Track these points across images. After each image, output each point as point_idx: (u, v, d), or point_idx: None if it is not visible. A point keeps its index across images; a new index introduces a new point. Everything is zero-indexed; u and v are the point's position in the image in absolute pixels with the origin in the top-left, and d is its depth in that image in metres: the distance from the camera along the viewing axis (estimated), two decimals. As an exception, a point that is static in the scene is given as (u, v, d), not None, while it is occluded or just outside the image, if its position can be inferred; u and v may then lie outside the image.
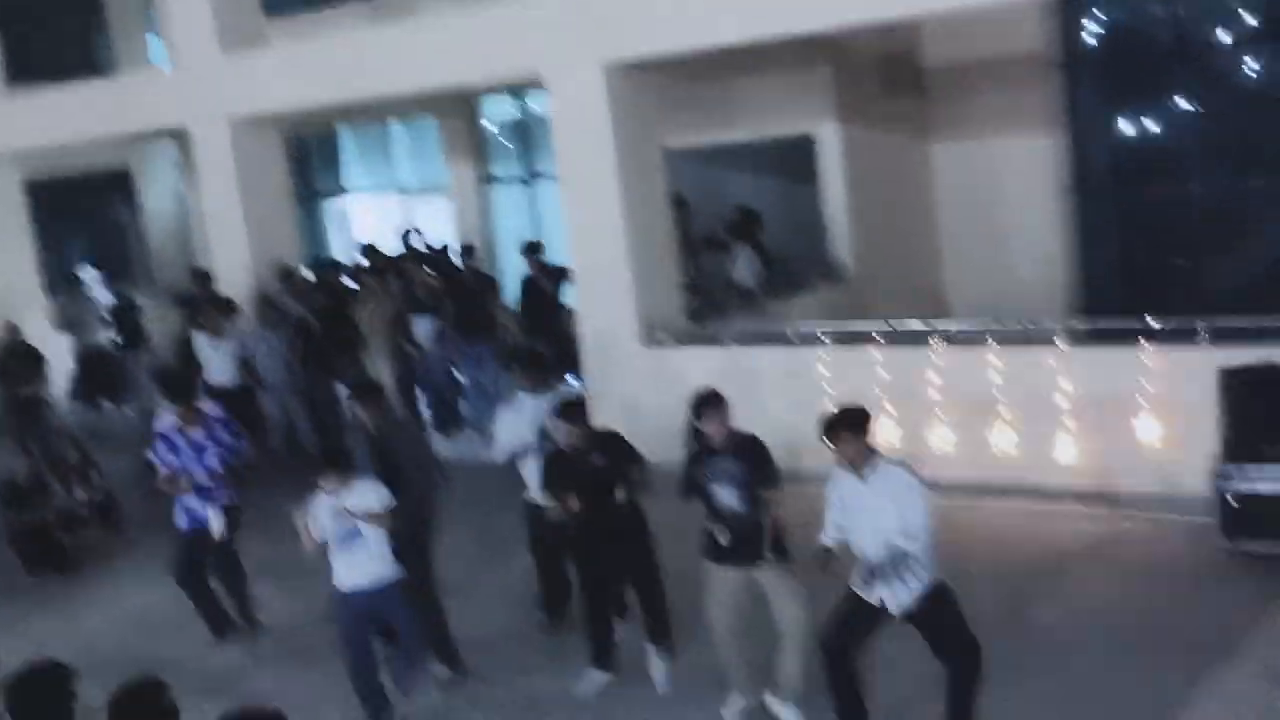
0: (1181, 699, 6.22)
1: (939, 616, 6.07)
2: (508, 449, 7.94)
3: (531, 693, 7.50)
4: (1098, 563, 8.34)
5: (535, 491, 7.78)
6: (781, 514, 6.51)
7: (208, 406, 9.04)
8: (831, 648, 6.15)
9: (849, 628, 6.15)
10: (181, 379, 9.47)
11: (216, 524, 8.65)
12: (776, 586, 6.56)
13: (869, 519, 6.01)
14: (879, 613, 6.09)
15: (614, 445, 7.25)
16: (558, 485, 7.12)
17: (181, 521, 8.71)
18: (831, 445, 6.03)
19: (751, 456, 6.56)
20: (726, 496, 6.54)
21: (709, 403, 6.60)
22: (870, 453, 6.05)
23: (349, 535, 7.07)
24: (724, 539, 6.54)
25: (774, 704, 6.71)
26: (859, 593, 6.11)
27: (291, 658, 8.40)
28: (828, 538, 6.21)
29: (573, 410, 7.25)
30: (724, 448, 6.57)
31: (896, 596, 6.02)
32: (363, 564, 7.10)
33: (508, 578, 9.05)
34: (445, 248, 15.36)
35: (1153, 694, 6.43)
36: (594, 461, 7.10)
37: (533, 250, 13.07)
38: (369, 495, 7.11)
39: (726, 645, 6.77)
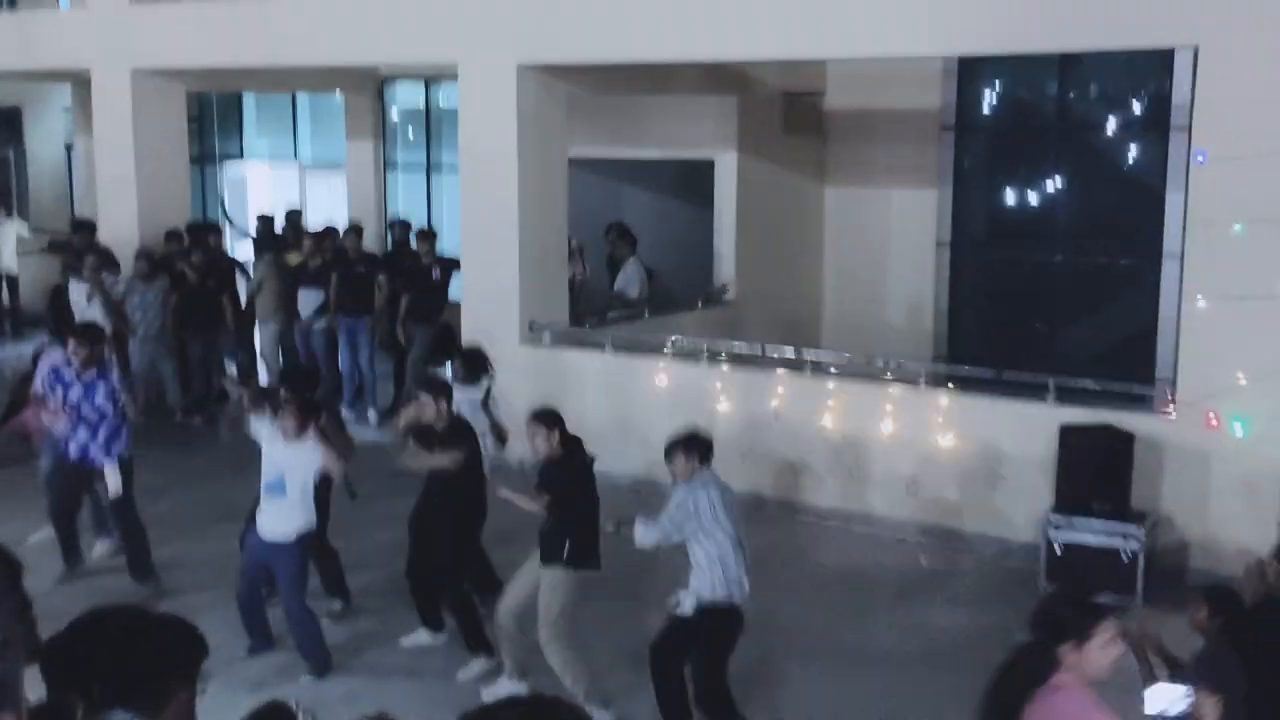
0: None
1: (697, 642, 6.46)
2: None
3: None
4: (927, 591, 8.84)
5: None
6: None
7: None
8: (653, 652, 6.55)
9: (665, 634, 6.58)
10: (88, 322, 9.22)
11: (113, 480, 8.30)
12: (541, 579, 6.88)
13: None
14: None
15: None
16: None
17: (70, 452, 8.37)
18: (668, 462, 6.60)
19: (551, 471, 6.93)
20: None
21: (530, 418, 6.97)
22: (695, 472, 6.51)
23: (275, 487, 7.20)
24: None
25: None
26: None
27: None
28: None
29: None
30: (545, 459, 6.97)
31: (683, 600, 6.51)
32: (273, 518, 7.25)
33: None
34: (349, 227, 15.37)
35: (950, 707, 6.84)
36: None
37: (421, 236, 13.16)
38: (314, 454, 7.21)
39: (501, 626, 7.09)
